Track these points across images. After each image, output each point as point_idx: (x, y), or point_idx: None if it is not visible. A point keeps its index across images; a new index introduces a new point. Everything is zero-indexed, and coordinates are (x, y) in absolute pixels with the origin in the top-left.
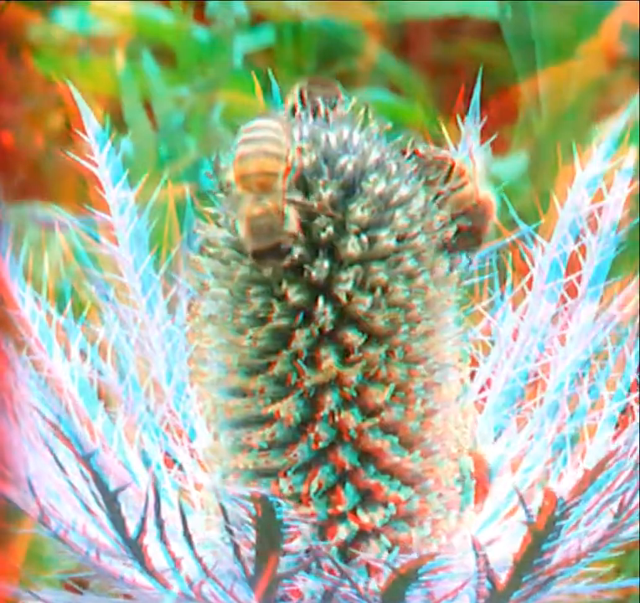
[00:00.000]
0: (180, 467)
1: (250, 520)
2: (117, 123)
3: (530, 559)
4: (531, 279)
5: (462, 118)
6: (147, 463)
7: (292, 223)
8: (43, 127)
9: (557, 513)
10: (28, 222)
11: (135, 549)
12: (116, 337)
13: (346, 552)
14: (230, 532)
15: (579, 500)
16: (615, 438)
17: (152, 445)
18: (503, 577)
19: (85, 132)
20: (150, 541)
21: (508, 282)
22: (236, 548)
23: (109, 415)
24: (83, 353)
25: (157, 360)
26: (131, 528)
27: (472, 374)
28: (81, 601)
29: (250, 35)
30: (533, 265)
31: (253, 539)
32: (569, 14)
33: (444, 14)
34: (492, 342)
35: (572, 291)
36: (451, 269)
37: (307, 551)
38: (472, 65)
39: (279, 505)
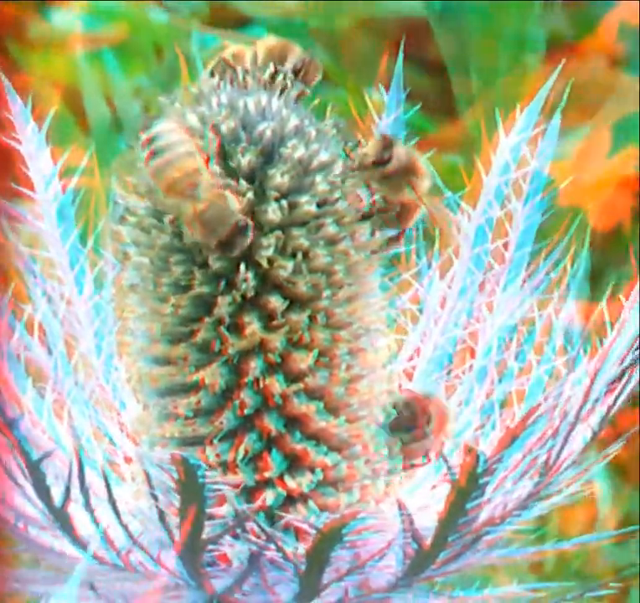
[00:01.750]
0: (111, 441)
1: (173, 486)
2: (77, 113)
3: (454, 517)
4: (457, 247)
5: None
6: (76, 437)
7: (232, 198)
8: None
9: (479, 469)
10: None
11: (61, 518)
12: (43, 312)
13: (273, 517)
14: (155, 498)
15: (501, 456)
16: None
17: (82, 419)
18: (428, 537)
19: (8, 110)
20: (76, 510)
21: (435, 250)
22: (161, 514)
23: (38, 391)
24: (11, 329)
25: (85, 335)
26: (56, 496)
27: (401, 342)
28: (13, 575)
29: (241, 35)
30: (459, 232)
31: (177, 507)
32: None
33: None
34: (421, 311)
35: (499, 257)
36: (372, 234)
37: (233, 516)
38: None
39: (200, 467)
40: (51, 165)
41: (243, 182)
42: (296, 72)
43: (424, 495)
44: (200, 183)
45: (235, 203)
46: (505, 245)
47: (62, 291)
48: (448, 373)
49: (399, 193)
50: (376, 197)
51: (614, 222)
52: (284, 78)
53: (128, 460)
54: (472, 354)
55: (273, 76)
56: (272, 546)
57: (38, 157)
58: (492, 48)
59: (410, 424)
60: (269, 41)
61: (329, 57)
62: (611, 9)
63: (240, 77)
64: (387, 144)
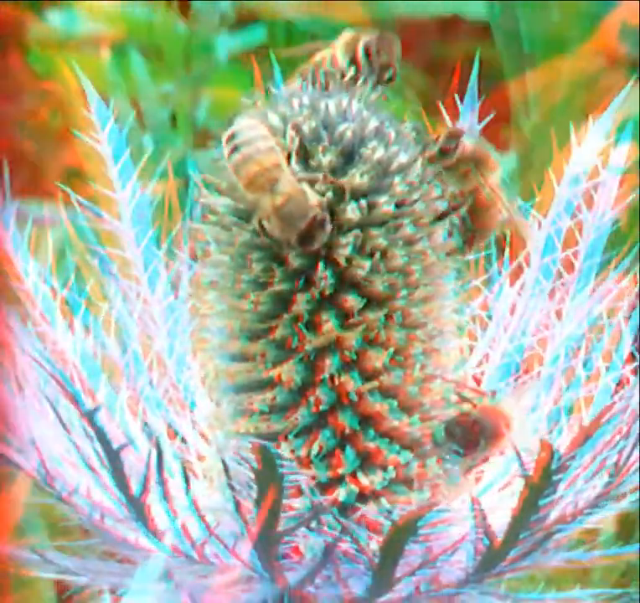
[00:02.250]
0: (182, 440)
1: (251, 476)
2: None
3: (527, 513)
4: (528, 255)
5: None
6: (149, 435)
7: (311, 193)
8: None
9: (553, 466)
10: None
11: (137, 508)
12: (118, 311)
13: (346, 514)
14: (232, 488)
15: (575, 454)
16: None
17: (155, 417)
18: (500, 533)
19: (88, 110)
20: (152, 500)
21: (505, 258)
22: (238, 505)
23: (112, 388)
24: (86, 327)
25: (159, 334)
26: (134, 486)
27: (471, 348)
28: (87, 566)
29: (242, 34)
30: (531, 237)
31: (254, 497)
32: (567, 14)
33: (434, 13)
34: (490, 317)
35: (568, 266)
36: (449, 235)
37: (308, 508)
38: (464, 64)
39: (279, 456)
40: (130, 165)
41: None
42: (368, 55)
43: (493, 496)
44: (280, 179)
45: (314, 198)
46: (575, 254)
47: (138, 290)
48: (516, 379)
49: (466, 184)
50: (449, 190)
51: None
52: (361, 77)
53: (200, 458)
54: (540, 361)
55: (353, 77)
56: (346, 539)
57: (117, 158)
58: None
59: (462, 442)
60: (343, 37)
61: None
62: None
63: (323, 80)
64: (453, 134)
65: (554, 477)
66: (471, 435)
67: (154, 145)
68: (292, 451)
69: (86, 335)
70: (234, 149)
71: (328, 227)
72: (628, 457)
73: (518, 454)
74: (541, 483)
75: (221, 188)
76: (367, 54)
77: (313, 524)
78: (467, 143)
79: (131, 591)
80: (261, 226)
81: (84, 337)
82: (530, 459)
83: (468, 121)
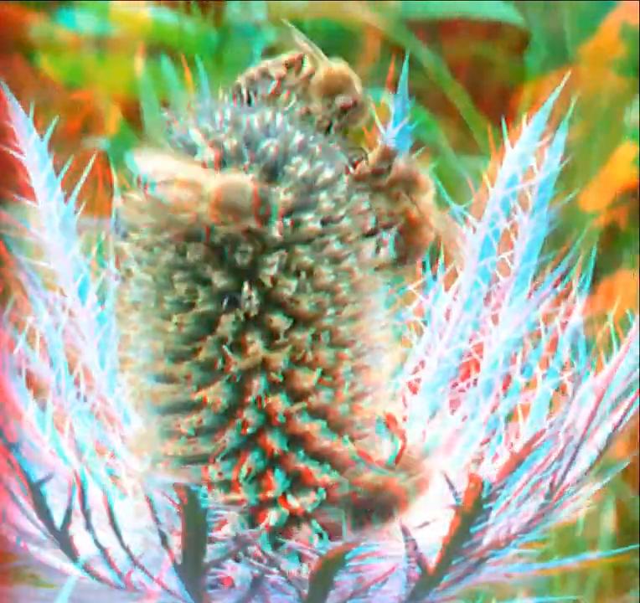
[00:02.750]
0: (113, 454)
1: (175, 509)
2: (135, 125)
3: (459, 541)
4: (463, 259)
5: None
6: (79, 451)
7: (239, 176)
8: None
9: (484, 496)
10: None
11: (61, 539)
12: (45, 324)
13: (276, 538)
14: (157, 521)
15: (505, 482)
16: (548, 417)
17: (84, 432)
18: (432, 561)
19: (10, 120)
20: (77, 530)
21: (440, 262)
22: (163, 536)
23: (40, 404)
24: (12, 341)
25: (87, 347)
26: (58, 518)
27: (405, 355)
28: (14, 592)
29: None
30: (464, 244)
31: (178, 531)
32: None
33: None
34: (425, 323)
35: (504, 270)
36: (377, 251)
37: (235, 538)
38: (472, 65)
39: (201, 494)
40: (54, 175)
41: None
42: (343, 109)
43: (428, 511)
44: (202, 184)
45: (244, 177)
46: (511, 258)
47: (64, 302)
48: (453, 386)
49: (397, 206)
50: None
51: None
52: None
53: (131, 473)
54: (477, 367)
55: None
56: (275, 569)
57: (40, 168)
58: None
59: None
60: (335, 67)
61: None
62: None
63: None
64: (386, 154)
65: (485, 506)
66: (363, 513)
67: None
68: (220, 474)
69: (12, 350)
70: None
71: (273, 198)
72: (563, 478)
73: (449, 483)
74: (471, 513)
75: (142, 206)
76: (344, 108)
77: (240, 555)
78: (400, 164)
79: None
80: (212, 233)
81: (8, 353)
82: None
83: (399, 128)
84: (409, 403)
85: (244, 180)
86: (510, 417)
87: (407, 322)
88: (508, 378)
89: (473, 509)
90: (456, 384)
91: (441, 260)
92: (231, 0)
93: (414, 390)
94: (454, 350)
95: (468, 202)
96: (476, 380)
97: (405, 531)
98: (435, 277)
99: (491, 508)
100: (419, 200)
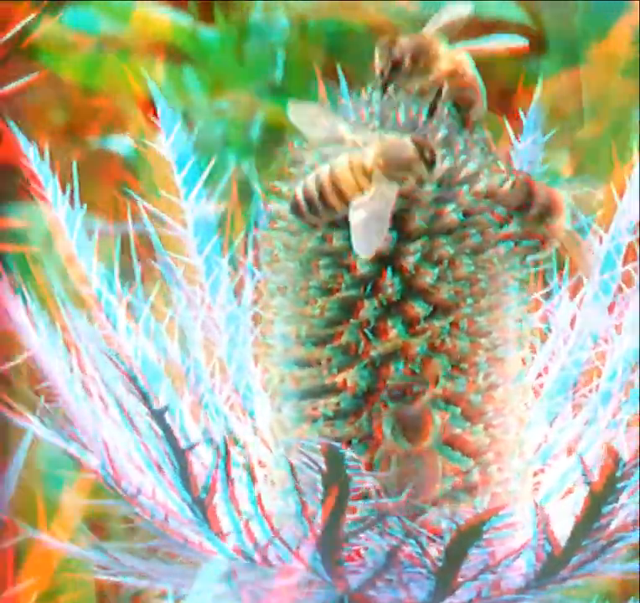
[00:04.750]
0: (242, 446)
1: (317, 478)
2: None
3: (590, 520)
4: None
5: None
6: (210, 441)
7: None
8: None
9: (618, 473)
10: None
11: (202, 510)
12: (182, 317)
13: (407, 518)
14: (298, 490)
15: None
16: None
17: (216, 423)
18: (562, 539)
19: (156, 117)
20: (217, 502)
21: (565, 271)
22: (303, 508)
23: (173, 393)
24: (149, 332)
25: (221, 341)
26: (199, 488)
27: (531, 360)
28: (149, 567)
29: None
30: (591, 256)
31: (318, 501)
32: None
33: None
34: (550, 330)
35: (628, 281)
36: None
37: (372, 511)
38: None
39: (348, 456)
40: (198, 172)
41: None
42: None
43: (553, 505)
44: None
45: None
46: (635, 269)
47: (202, 296)
48: (575, 392)
49: (536, 229)
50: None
51: None
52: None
53: (261, 464)
54: (599, 375)
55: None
56: (410, 543)
57: (185, 164)
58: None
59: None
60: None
61: None
62: None
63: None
64: (528, 191)
65: (618, 485)
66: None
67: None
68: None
69: (149, 340)
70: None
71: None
72: None
73: (582, 462)
74: (605, 490)
75: (289, 195)
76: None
77: (377, 528)
78: (541, 194)
79: (192, 593)
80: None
81: (147, 342)
82: (593, 466)
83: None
84: (531, 406)
85: (399, 137)
86: (630, 424)
87: (532, 328)
88: (629, 386)
89: (607, 486)
90: (577, 390)
91: (566, 268)
92: (246, 0)
93: (536, 395)
94: (577, 358)
95: (595, 214)
96: (597, 387)
97: (537, 509)
98: (560, 286)
99: (624, 488)
100: (554, 227)
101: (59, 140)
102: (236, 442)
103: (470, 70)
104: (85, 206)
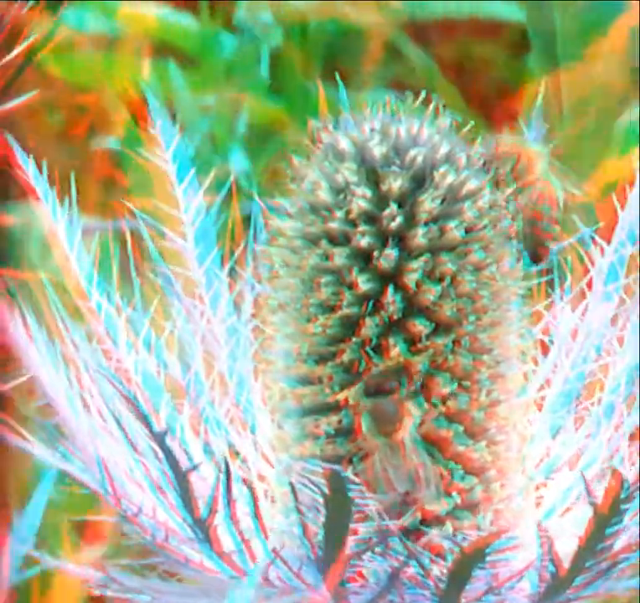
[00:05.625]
0: (243, 460)
1: (319, 500)
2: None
3: (594, 542)
4: (590, 280)
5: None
6: (211, 455)
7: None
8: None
9: (622, 495)
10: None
11: (203, 530)
12: (181, 330)
13: (409, 539)
14: (299, 511)
15: None
16: None
17: (216, 437)
18: (566, 560)
19: (153, 128)
20: (219, 522)
21: (567, 283)
22: (305, 528)
23: (173, 407)
24: (149, 346)
25: (221, 354)
26: (201, 508)
27: (532, 373)
28: (149, 586)
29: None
30: (592, 266)
31: (321, 521)
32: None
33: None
34: (552, 342)
35: (630, 292)
36: (517, 262)
37: (375, 532)
38: (477, 66)
39: (349, 481)
40: (196, 185)
41: (393, 206)
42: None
43: (555, 521)
44: None
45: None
46: (636, 281)
47: (202, 309)
48: (577, 405)
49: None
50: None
51: None
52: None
53: (261, 478)
54: (602, 388)
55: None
56: (412, 564)
57: (183, 176)
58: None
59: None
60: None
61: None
62: None
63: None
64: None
65: (623, 506)
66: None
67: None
68: (356, 475)
69: (149, 354)
70: None
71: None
72: None
73: (585, 482)
74: (610, 512)
75: (291, 211)
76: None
77: (379, 549)
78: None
79: None
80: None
81: (147, 356)
82: (596, 486)
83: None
84: (533, 420)
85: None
86: (633, 437)
87: (534, 340)
88: (632, 398)
89: (612, 508)
90: (580, 403)
91: (568, 281)
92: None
93: (539, 408)
94: (579, 370)
95: (598, 224)
96: (599, 400)
97: (540, 530)
98: (562, 298)
99: (628, 509)
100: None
101: (51, 140)
102: (237, 456)
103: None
104: (76, 208)
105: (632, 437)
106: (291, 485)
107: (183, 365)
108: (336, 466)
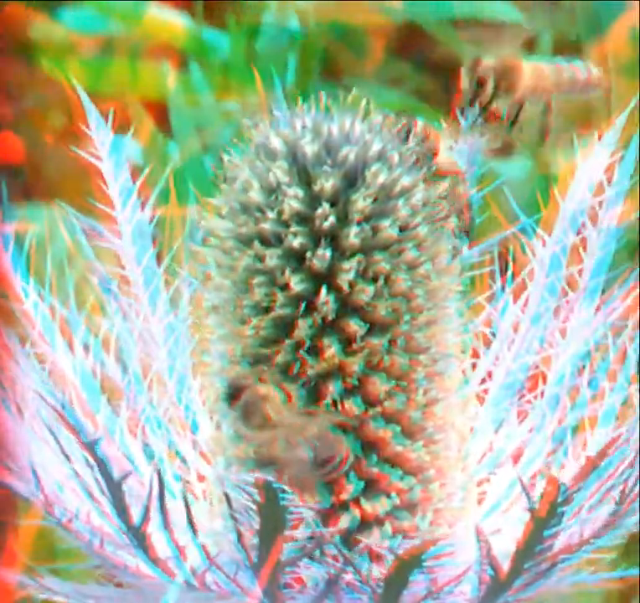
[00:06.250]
0: (183, 460)
1: (253, 507)
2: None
3: (532, 545)
4: (532, 271)
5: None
6: (150, 456)
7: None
8: (47, 126)
9: (559, 499)
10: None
11: (138, 537)
12: (118, 330)
13: (349, 541)
14: (234, 519)
15: (581, 486)
16: (615, 430)
17: (155, 437)
18: (505, 564)
19: (88, 127)
20: (153, 529)
21: (509, 274)
22: (239, 535)
23: (112, 408)
24: (86, 346)
25: (159, 353)
26: (135, 515)
27: (473, 366)
28: (85, 591)
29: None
30: (534, 257)
31: (256, 527)
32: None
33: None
34: (494, 334)
35: (573, 284)
36: (452, 259)
37: (311, 538)
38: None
39: (282, 491)
40: (130, 183)
41: (326, 206)
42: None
43: (496, 519)
44: None
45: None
46: (580, 272)
47: (137, 308)
48: (520, 398)
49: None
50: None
51: None
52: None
53: (201, 478)
54: (545, 380)
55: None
56: (349, 569)
57: (117, 175)
58: None
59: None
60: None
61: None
62: None
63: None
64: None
65: (560, 510)
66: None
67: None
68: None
69: (86, 355)
70: None
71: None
72: (633, 486)
73: (523, 486)
74: (547, 516)
75: (222, 212)
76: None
77: (316, 554)
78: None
79: None
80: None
81: (83, 357)
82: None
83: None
84: (475, 414)
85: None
86: (577, 429)
87: (475, 332)
88: (575, 391)
89: (549, 512)
90: (523, 396)
91: (509, 272)
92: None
93: (481, 402)
94: (521, 363)
95: (538, 215)
96: (543, 392)
97: (478, 533)
98: (503, 289)
99: (565, 512)
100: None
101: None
102: (177, 455)
103: (550, 80)
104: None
105: (576, 430)
106: (226, 495)
107: (121, 365)
108: (267, 477)
